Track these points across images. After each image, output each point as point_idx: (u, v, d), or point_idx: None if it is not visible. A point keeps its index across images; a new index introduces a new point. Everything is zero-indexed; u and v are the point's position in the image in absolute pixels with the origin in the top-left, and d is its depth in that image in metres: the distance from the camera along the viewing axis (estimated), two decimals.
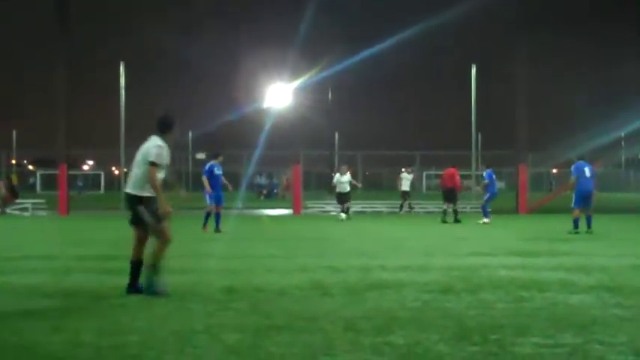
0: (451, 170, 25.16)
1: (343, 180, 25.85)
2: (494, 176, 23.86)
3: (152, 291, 8.37)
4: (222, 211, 19.56)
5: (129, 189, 8.54)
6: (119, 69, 33.18)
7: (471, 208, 31.13)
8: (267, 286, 9.20)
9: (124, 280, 9.65)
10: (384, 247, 14.83)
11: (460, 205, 27.14)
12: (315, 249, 14.52)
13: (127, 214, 8.75)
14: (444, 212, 24.49)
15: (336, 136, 59.65)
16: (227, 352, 5.82)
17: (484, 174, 24.06)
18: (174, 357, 5.67)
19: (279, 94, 38.97)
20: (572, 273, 10.41)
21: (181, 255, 13.24)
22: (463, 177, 29.92)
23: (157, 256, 8.50)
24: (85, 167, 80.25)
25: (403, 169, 31.40)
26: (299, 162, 33.69)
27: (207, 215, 19.04)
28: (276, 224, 24.41)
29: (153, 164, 8.29)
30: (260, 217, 28.94)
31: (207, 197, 18.83)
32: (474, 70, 33.40)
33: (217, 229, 18.74)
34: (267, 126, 38.95)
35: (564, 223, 20.05)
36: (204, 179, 18.81)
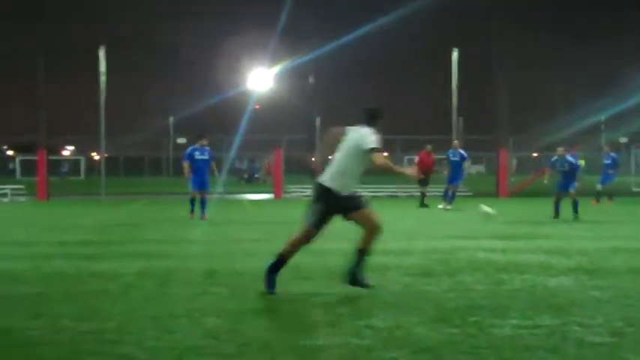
0: (421, 153, 24.97)
1: None
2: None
3: (357, 281, 7.63)
4: (208, 197, 18.64)
5: (328, 182, 7.62)
6: (99, 54, 32.82)
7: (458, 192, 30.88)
8: (248, 270, 9.20)
9: (104, 266, 9.67)
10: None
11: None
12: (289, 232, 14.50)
13: (314, 209, 7.74)
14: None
15: (317, 121, 59.48)
16: (206, 336, 5.82)
17: (449, 154, 23.59)
18: (154, 342, 5.66)
19: (261, 79, 38.87)
20: (551, 255, 10.48)
21: (162, 240, 13.26)
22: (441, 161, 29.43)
23: (368, 242, 7.70)
24: (66, 153, 79.74)
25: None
26: (280, 146, 33.66)
27: (192, 201, 18.19)
28: (257, 209, 24.39)
29: (376, 150, 7.48)
30: (241, 202, 28.90)
31: (190, 183, 18.20)
32: (455, 55, 33.43)
33: (202, 216, 17.92)
34: (249, 110, 38.89)
35: (545, 206, 20.17)
36: (184, 164, 18.29)
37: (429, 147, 24.85)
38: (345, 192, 7.54)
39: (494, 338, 5.73)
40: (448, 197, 22.85)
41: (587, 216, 17.81)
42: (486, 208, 15.41)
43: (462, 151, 23.51)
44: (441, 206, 22.52)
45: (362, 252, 7.69)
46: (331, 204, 7.57)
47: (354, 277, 7.65)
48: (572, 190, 17.99)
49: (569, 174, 18.11)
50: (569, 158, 18.41)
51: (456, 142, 24.74)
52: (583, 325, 6.11)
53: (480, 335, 5.82)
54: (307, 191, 33.51)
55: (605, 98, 48.39)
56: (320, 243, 12.30)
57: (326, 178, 7.63)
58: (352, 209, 7.62)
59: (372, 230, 7.66)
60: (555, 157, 18.58)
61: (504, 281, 8.34)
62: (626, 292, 7.65)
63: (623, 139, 54.30)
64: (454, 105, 33.65)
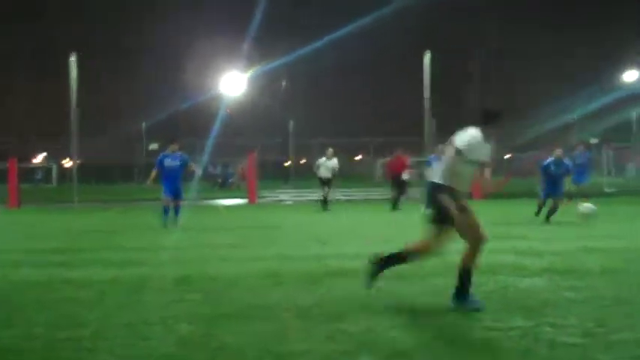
0: (395, 157, 24.88)
1: (329, 165, 24.56)
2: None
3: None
4: (181, 203, 18.16)
5: (435, 178, 7.29)
6: (70, 61, 32.47)
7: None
8: (222, 275, 9.18)
9: (77, 273, 9.60)
10: (339, 235, 14.86)
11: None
12: (269, 238, 14.51)
13: (426, 211, 7.47)
14: (399, 199, 24.38)
15: (290, 125, 59.58)
16: (180, 342, 5.80)
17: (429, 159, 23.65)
18: (127, 349, 5.64)
19: (234, 83, 38.82)
20: (524, 256, 10.55)
21: (135, 247, 13.19)
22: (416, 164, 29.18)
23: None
24: (37, 160, 79.11)
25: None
26: (254, 151, 33.64)
27: (166, 209, 17.77)
28: (231, 214, 24.32)
29: (457, 151, 7.11)
30: (215, 207, 28.82)
31: (163, 190, 17.80)
32: (427, 58, 33.54)
33: (176, 223, 17.52)
34: (222, 115, 38.83)
35: (517, 207, 20.31)
36: (153, 171, 17.99)
37: (400, 150, 24.84)
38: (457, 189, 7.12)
39: (468, 340, 5.77)
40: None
41: (561, 217, 17.91)
42: (585, 209, 14.41)
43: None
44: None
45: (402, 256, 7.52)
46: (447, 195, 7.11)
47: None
48: (558, 197, 17.85)
49: (561, 177, 17.93)
50: (566, 161, 18.21)
51: (440, 146, 24.40)
52: (555, 326, 6.16)
53: (454, 338, 5.85)
54: (281, 196, 33.50)
55: (576, 99, 48.81)
56: (294, 248, 12.36)
57: (435, 176, 7.30)
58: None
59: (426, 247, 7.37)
60: (552, 159, 18.03)
61: (477, 283, 8.36)
62: (600, 292, 7.72)
63: (594, 140, 54.74)
64: (426, 108, 33.75)
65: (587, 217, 14.92)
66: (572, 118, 51.22)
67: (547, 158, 18.27)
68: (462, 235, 7.10)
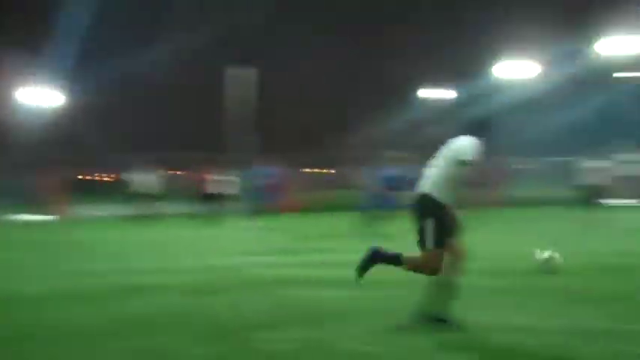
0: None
1: (150, 179, 24.42)
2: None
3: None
4: None
5: (426, 189, 6.72)
6: None
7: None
8: (16, 294, 8.73)
9: None
10: (146, 251, 14.57)
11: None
12: (74, 254, 13.98)
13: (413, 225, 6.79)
14: (209, 214, 24.17)
15: (101, 138, 57.76)
16: None
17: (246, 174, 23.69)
18: None
19: (40, 96, 37.53)
20: (327, 269, 10.67)
21: None
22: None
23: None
24: None
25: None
26: (59, 164, 32.39)
27: None
28: (37, 230, 23.18)
29: (468, 163, 6.62)
30: (18, 223, 27.36)
31: None
32: (231, 73, 33.23)
33: None
34: (30, 126, 37.42)
35: (327, 221, 20.61)
36: None
37: (204, 165, 24.77)
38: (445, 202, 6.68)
39: (257, 353, 5.87)
40: (251, 214, 22.87)
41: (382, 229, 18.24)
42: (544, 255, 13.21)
43: (270, 169, 23.35)
44: (254, 224, 22.04)
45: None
46: (439, 213, 6.66)
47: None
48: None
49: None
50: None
51: (263, 162, 24.13)
52: (350, 335, 6.34)
53: (245, 351, 5.94)
54: (89, 212, 32.22)
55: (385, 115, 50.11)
56: (98, 264, 11.92)
57: (426, 187, 6.78)
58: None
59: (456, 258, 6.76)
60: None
61: (280, 296, 8.42)
62: (399, 302, 7.69)
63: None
64: (225, 123, 33.50)
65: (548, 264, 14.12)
66: (384, 134, 52.34)
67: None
68: (422, 261, 6.69)
